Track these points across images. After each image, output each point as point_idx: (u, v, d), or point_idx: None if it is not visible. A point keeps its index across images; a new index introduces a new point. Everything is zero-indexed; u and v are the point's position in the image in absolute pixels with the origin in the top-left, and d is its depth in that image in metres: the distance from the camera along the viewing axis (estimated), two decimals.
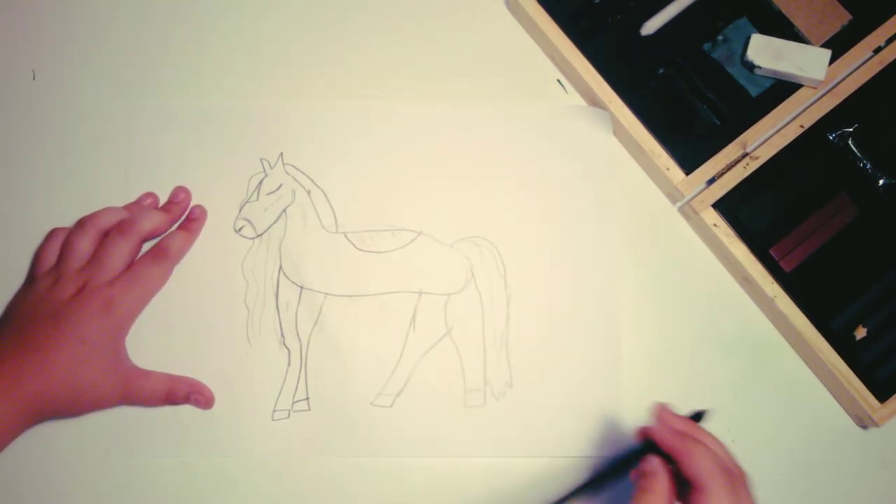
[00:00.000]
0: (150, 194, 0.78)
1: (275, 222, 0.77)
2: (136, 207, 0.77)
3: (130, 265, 0.74)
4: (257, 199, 0.78)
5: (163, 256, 0.75)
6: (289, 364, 0.75)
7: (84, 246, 0.74)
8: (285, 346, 0.75)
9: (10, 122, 0.81)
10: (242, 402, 0.74)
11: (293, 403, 0.74)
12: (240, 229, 0.77)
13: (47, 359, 0.69)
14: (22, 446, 0.71)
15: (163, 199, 0.78)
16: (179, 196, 0.78)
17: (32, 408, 0.69)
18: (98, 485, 0.73)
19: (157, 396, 0.73)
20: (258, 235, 0.77)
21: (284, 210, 0.78)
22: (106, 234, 0.74)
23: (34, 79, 0.82)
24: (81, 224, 0.75)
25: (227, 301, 0.76)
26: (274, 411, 0.74)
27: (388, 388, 0.75)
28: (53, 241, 0.75)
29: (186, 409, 0.74)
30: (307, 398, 0.74)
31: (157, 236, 0.77)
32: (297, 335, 0.75)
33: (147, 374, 0.74)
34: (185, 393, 0.74)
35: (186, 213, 0.78)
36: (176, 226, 0.78)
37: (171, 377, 0.74)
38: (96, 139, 0.80)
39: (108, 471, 0.73)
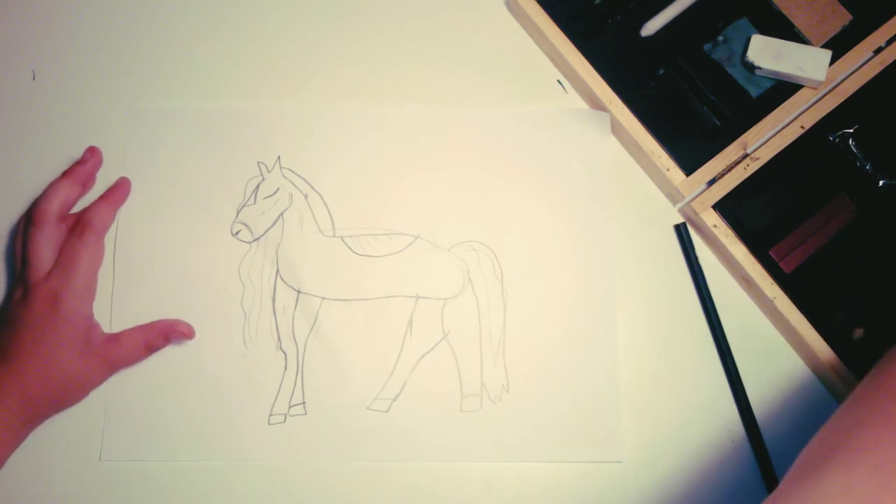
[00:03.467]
0: (91, 149, 0.78)
1: (272, 226, 0.77)
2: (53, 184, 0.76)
3: (59, 250, 0.73)
4: (254, 202, 0.78)
5: (86, 231, 0.73)
6: (285, 368, 0.75)
7: (18, 246, 0.74)
8: (282, 349, 0.75)
9: (10, 122, 0.81)
10: (238, 405, 0.74)
11: (289, 408, 0.74)
12: (237, 233, 0.77)
13: (17, 367, 0.69)
14: (15, 451, 0.71)
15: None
16: (85, 157, 0.77)
17: (24, 415, 0.70)
18: (92, 490, 0.73)
19: (138, 353, 0.74)
20: (255, 239, 0.77)
21: (282, 214, 0.78)
22: None
23: (34, 79, 0.82)
24: (18, 225, 0.75)
25: (223, 304, 0.76)
26: (270, 415, 0.74)
27: (385, 392, 0.75)
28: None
29: (181, 413, 0.74)
30: (303, 402, 0.74)
31: (72, 203, 0.76)
32: (294, 339, 0.75)
33: (118, 338, 0.73)
34: (162, 337, 0.74)
35: (94, 173, 0.78)
36: (79, 191, 0.77)
37: (142, 329, 0.74)
38: (94, 140, 0.79)
39: (103, 475, 0.73)
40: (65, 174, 0.76)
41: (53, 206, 0.73)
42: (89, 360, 0.72)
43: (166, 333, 0.74)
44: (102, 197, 0.76)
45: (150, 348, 0.74)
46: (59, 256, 0.72)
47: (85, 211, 0.75)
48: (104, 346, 0.73)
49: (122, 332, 0.74)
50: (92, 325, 0.73)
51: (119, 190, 0.77)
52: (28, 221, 0.73)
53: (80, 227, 0.73)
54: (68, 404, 0.73)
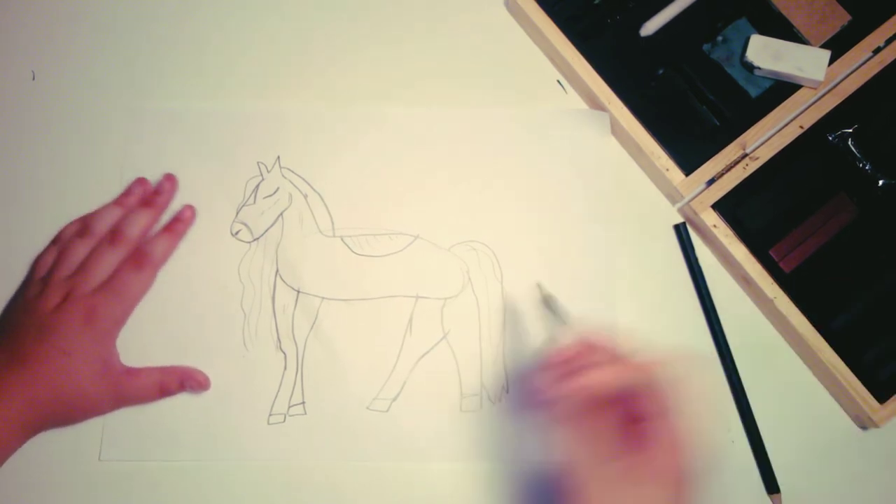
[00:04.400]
0: (141, 181, 0.78)
1: (272, 226, 0.78)
2: (127, 199, 0.77)
3: (113, 273, 0.73)
4: (254, 202, 0.78)
5: (145, 263, 0.74)
6: (285, 368, 0.75)
7: (80, 253, 0.74)
8: (281, 349, 0.75)
9: (9, 122, 0.81)
10: (238, 405, 0.74)
11: (289, 407, 0.74)
12: (236, 233, 0.77)
13: (33, 372, 0.69)
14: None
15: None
16: (165, 186, 0.77)
17: (27, 420, 0.69)
18: (92, 490, 0.73)
19: (150, 393, 0.73)
20: (255, 239, 0.77)
21: (281, 214, 0.78)
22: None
23: (34, 79, 0.82)
24: (81, 232, 0.75)
25: (223, 305, 0.76)
26: (270, 415, 0.74)
27: (385, 392, 0.75)
28: (54, 246, 0.76)
29: (181, 413, 0.74)
30: (303, 402, 0.74)
31: (149, 231, 0.76)
32: (294, 339, 0.75)
33: (136, 372, 0.74)
34: (177, 382, 0.74)
35: (171, 203, 0.78)
36: (158, 221, 0.77)
37: (161, 370, 0.74)
38: (95, 140, 0.80)
39: (103, 475, 0.73)
40: (148, 205, 0.76)
41: (136, 233, 0.75)
42: (101, 386, 0.72)
43: (182, 380, 0.74)
44: (168, 229, 0.76)
45: (164, 392, 0.74)
46: (112, 278, 0.73)
47: (151, 243, 0.75)
48: (120, 376, 0.73)
49: (141, 368, 0.74)
50: (113, 352, 0.74)
51: (184, 222, 0.77)
52: (108, 240, 0.74)
53: (141, 257, 0.74)
54: (69, 422, 0.73)
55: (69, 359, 0.70)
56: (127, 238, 0.74)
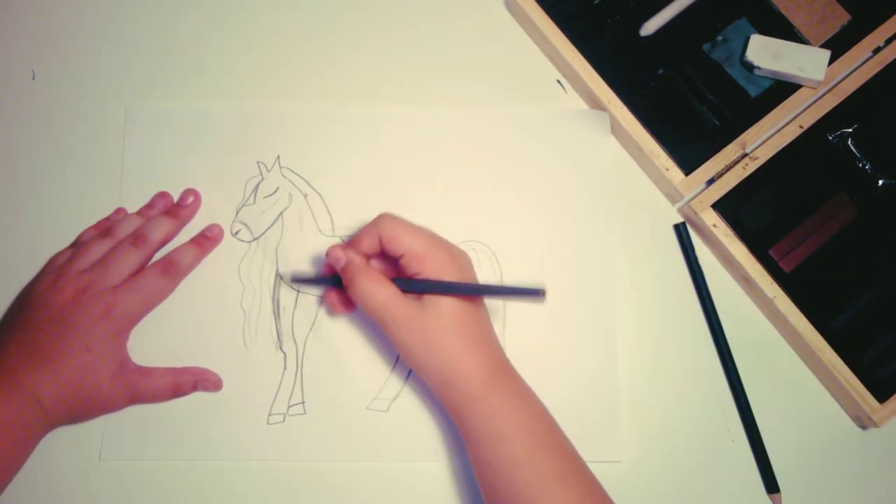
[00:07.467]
0: (163, 195, 0.78)
1: (271, 226, 0.78)
2: (149, 211, 0.77)
3: (137, 273, 0.73)
4: (254, 202, 0.78)
5: (171, 271, 0.74)
6: (285, 368, 0.75)
7: (97, 251, 0.74)
8: (281, 349, 0.75)
9: (9, 122, 0.81)
10: (238, 405, 0.74)
11: (289, 407, 0.74)
12: (236, 233, 0.77)
13: (56, 367, 0.69)
14: None
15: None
16: (188, 199, 0.78)
17: (50, 416, 0.69)
18: (92, 489, 0.73)
19: (164, 393, 0.74)
20: (255, 239, 0.77)
21: (281, 214, 0.78)
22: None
23: (34, 79, 0.82)
24: (105, 232, 0.75)
25: (223, 304, 0.76)
26: (270, 415, 0.74)
27: (384, 392, 0.75)
28: (71, 247, 0.76)
29: (181, 413, 0.74)
30: (303, 402, 0.74)
31: (167, 243, 0.77)
32: (294, 339, 0.75)
33: (150, 372, 0.74)
34: (191, 383, 0.74)
35: (193, 216, 0.78)
36: (183, 234, 0.78)
37: (174, 371, 0.74)
38: (95, 139, 0.80)
39: (103, 474, 0.73)
40: (171, 214, 0.77)
41: (158, 239, 0.75)
42: (118, 383, 0.72)
43: (196, 381, 0.74)
44: (197, 242, 0.77)
45: (178, 392, 0.74)
46: (135, 278, 0.73)
47: (179, 252, 0.76)
48: (134, 374, 0.73)
49: (155, 368, 0.74)
50: (126, 351, 0.74)
51: (213, 241, 0.77)
52: (130, 241, 0.74)
53: (168, 265, 0.75)
54: (82, 419, 0.73)
55: (90, 354, 0.70)
56: (149, 241, 0.74)
